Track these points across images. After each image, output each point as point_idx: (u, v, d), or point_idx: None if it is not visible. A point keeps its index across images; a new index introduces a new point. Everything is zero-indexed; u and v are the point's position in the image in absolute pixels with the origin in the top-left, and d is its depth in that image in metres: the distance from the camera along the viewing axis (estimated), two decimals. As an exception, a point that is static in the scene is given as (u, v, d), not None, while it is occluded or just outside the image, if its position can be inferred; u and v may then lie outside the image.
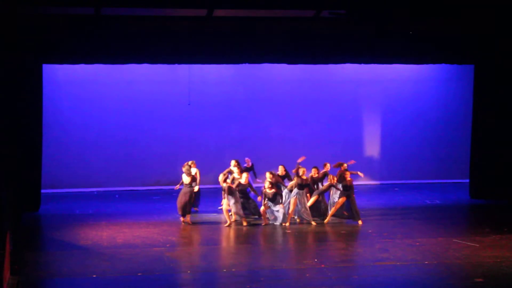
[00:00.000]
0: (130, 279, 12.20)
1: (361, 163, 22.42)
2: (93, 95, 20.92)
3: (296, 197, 16.37)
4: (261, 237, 15.63)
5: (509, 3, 17.03)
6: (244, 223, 16.24)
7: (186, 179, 16.42)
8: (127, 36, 17.54)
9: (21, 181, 16.99)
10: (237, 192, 16.32)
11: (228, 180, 16.56)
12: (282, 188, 16.69)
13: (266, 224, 16.29)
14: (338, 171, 17.16)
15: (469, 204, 19.57)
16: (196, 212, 17.56)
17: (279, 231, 15.97)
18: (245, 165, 18.35)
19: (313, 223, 16.44)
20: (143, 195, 20.62)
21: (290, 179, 17.04)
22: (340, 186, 16.60)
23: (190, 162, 17.05)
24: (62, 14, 16.97)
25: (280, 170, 17.35)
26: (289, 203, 16.46)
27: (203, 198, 18.20)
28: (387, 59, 19.55)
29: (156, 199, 19.90)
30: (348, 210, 16.73)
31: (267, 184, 16.29)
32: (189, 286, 11.96)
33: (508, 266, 12.95)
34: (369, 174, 22.64)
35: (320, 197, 16.92)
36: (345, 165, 17.23)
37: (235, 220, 16.46)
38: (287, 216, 16.35)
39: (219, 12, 17.29)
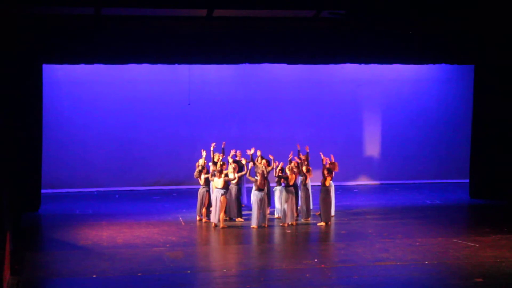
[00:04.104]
0: (130, 279, 12.21)
1: (361, 163, 22.52)
2: (93, 95, 20.92)
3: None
4: (261, 237, 15.62)
5: (509, 3, 17.03)
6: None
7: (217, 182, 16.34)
8: (127, 36, 17.55)
9: (21, 181, 16.99)
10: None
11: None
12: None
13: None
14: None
15: (469, 204, 19.57)
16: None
17: (279, 231, 15.97)
18: (236, 158, 18.08)
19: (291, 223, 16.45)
20: (143, 195, 20.61)
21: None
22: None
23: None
24: (62, 14, 16.97)
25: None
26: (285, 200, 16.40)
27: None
28: (387, 59, 19.55)
29: (156, 199, 19.90)
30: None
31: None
32: (189, 286, 11.96)
33: (508, 266, 12.95)
34: (369, 174, 22.67)
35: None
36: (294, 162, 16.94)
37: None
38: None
39: (219, 12, 17.29)
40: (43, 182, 18.39)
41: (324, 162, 16.91)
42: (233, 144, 19.63)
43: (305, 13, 17.84)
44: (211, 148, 17.25)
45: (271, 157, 16.86)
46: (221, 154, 17.35)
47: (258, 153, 17.54)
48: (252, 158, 17.44)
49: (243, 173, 16.76)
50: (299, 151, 17.39)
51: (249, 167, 16.78)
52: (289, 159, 16.93)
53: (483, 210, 18.83)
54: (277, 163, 16.61)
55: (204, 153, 17.05)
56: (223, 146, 17.74)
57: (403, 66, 21.50)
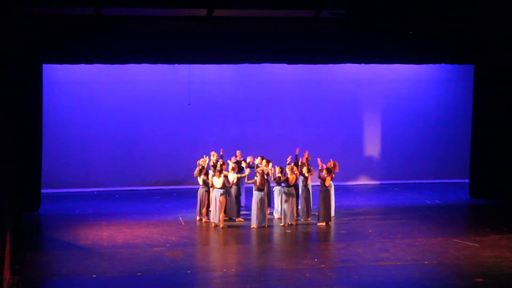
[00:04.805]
0: (130, 279, 12.21)
1: (361, 163, 22.52)
2: (93, 95, 20.93)
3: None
4: (261, 237, 15.62)
5: (509, 3, 17.03)
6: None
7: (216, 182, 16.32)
8: (127, 36, 17.55)
9: (21, 181, 16.99)
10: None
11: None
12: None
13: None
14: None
15: (469, 204, 19.57)
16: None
17: (279, 231, 15.97)
18: (237, 158, 18.07)
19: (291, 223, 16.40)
20: (143, 195, 20.61)
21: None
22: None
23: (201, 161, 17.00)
24: (62, 14, 16.98)
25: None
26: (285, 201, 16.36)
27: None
28: (387, 59, 19.56)
29: (156, 199, 19.91)
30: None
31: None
32: (189, 286, 11.96)
33: (508, 266, 12.95)
34: (369, 174, 22.67)
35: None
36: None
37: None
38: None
39: (219, 12, 17.30)
40: (43, 182, 18.39)
41: (320, 167, 16.88)
42: (233, 144, 19.69)
43: (305, 13, 17.84)
44: (211, 157, 17.29)
45: (271, 168, 16.84)
46: (220, 160, 17.37)
47: (257, 161, 17.42)
48: (250, 165, 17.45)
49: (242, 175, 16.76)
50: (296, 156, 17.39)
51: (247, 173, 16.75)
52: (287, 162, 16.95)
53: (483, 210, 18.83)
54: (276, 168, 16.60)
55: (206, 159, 17.05)
56: (221, 153, 17.77)
57: (403, 66, 21.51)
